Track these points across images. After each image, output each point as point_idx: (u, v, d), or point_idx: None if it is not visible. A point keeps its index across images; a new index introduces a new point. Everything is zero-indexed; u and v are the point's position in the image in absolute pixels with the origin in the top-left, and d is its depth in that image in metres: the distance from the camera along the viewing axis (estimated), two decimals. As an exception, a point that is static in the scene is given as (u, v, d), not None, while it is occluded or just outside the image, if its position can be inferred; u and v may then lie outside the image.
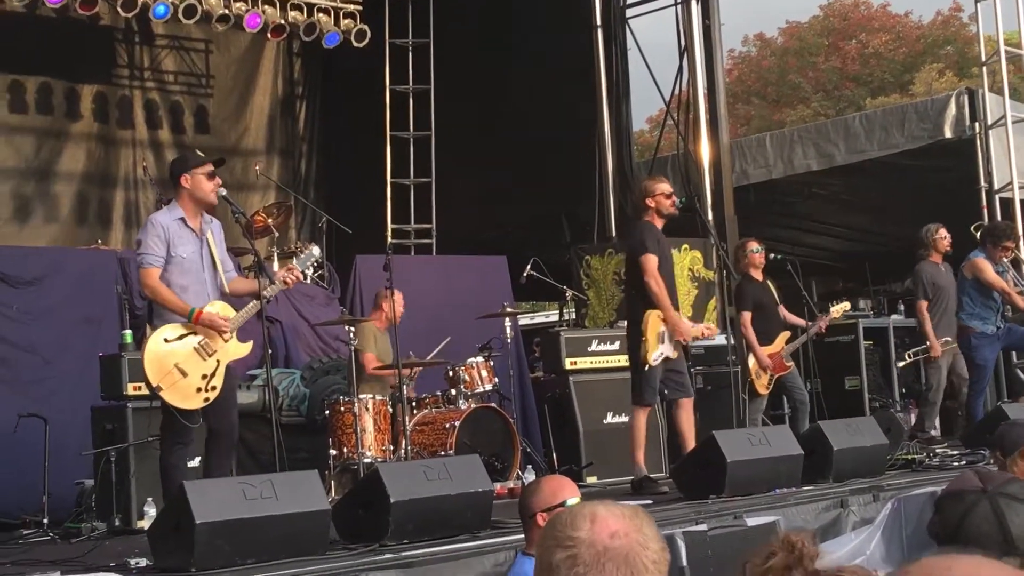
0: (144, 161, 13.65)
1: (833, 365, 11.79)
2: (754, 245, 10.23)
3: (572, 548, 2.16)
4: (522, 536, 5.04)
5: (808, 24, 36.65)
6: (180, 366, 6.70)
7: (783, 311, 10.31)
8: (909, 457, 9.21)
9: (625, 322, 10.28)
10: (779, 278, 10.69)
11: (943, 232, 10.79)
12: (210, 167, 7.00)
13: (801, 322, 10.29)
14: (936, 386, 10.68)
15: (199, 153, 7.26)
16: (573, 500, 4.56)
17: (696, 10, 12.80)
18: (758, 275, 10.14)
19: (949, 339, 10.59)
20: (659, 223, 8.62)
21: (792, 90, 35.15)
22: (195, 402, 6.74)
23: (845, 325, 12.26)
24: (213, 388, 6.77)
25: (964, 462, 9.14)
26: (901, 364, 11.22)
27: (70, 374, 9.20)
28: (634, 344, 8.48)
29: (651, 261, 8.37)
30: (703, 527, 6.34)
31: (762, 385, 9.94)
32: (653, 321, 8.35)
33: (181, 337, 6.76)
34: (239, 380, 8.17)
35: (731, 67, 34.69)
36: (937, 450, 9.83)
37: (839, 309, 10.53)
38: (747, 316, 9.89)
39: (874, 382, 12.39)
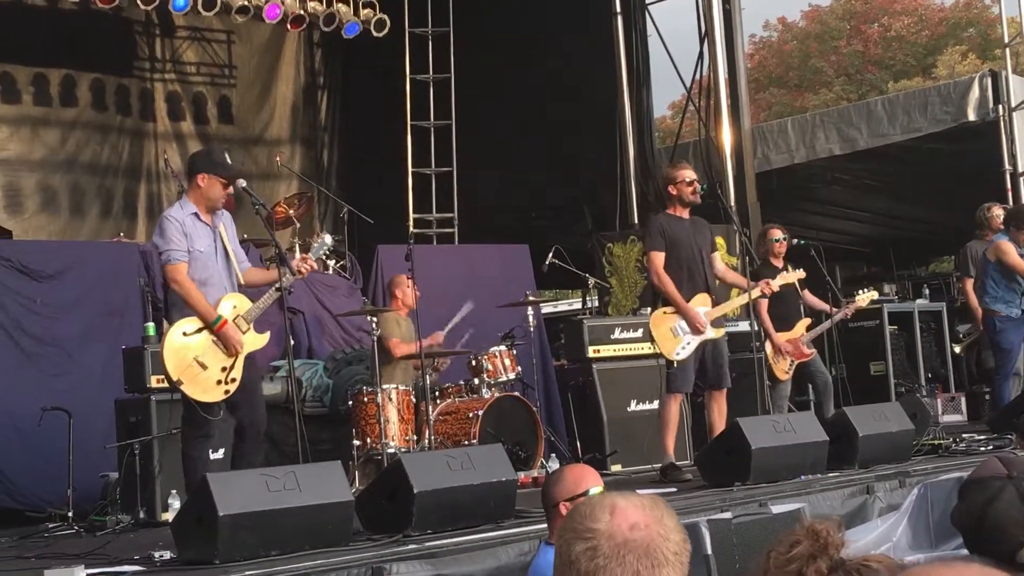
0: (165, 153, 13.68)
1: (858, 350, 11.74)
2: (776, 233, 10.19)
3: (592, 540, 2.14)
4: (546, 525, 5.03)
5: (830, 8, 36.46)
6: (199, 359, 6.71)
7: (808, 296, 10.26)
8: (935, 442, 9.16)
9: (650, 310, 10.29)
10: (803, 263, 10.63)
11: (996, 210, 10.78)
12: (227, 180, 6.99)
13: (825, 307, 10.25)
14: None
15: (228, 160, 7.23)
16: (596, 489, 4.55)
17: (717, -5, 12.73)
18: (778, 262, 10.10)
19: None
20: (682, 211, 8.60)
21: (814, 74, 34.97)
22: (215, 395, 6.75)
23: (870, 310, 12.18)
24: (232, 380, 6.79)
25: (991, 447, 9.08)
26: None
27: (94, 367, 9.23)
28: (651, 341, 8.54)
29: (654, 259, 8.38)
30: (727, 515, 6.30)
31: (781, 371, 9.90)
32: (657, 320, 8.37)
33: (200, 330, 6.77)
34: (262, 371, 8.18)
35: (752, 52, 34.53)
36: (963, 435, 9.77)
37: (866, 297, 10.44)
38: (763, 303, 9.87)
39: (900, 367, 12.32)
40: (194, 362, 6.70)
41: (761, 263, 10.13)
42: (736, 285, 9.16)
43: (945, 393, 12.47)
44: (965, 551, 6.79)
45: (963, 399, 12.17)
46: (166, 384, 7.84)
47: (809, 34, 36.16)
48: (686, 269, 8.51)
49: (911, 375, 12.38)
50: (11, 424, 8.75)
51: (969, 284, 10.64)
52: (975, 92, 12.90)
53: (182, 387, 6.67)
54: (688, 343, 8.37)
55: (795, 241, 10.33)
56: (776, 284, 8.99)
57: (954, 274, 13.38)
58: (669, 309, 8.41)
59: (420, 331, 8.92)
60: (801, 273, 9.68)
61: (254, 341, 6.99)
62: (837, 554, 2.10)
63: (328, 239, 7.58)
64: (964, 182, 14.42)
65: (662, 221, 8.57)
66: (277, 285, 6.89)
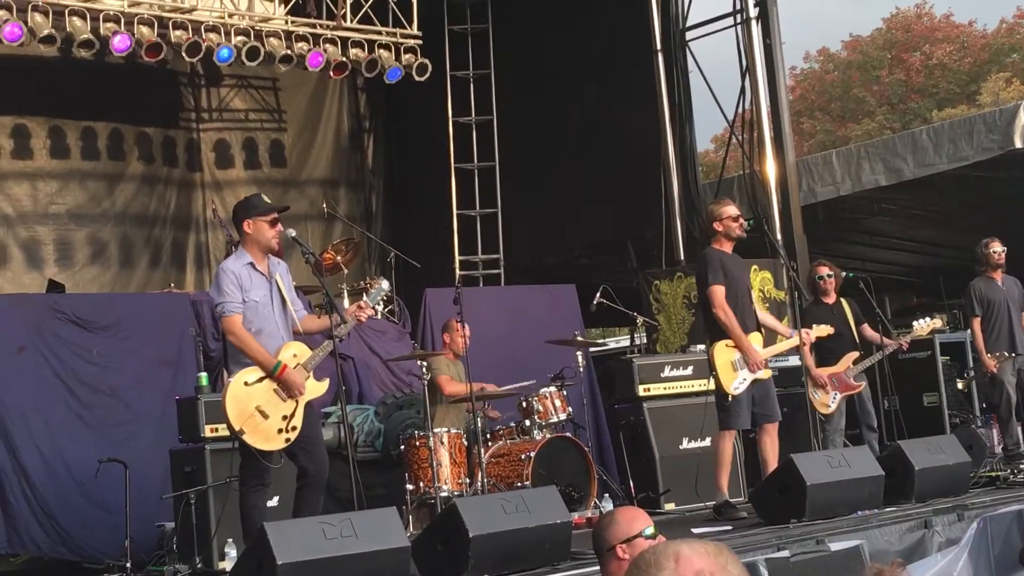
0: (213, 203, 13.83)
1: (911, 382, 11.62)
2: (822, 271, 10.15)
3: (658, 589, 2.14)
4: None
5: (870, 38, 36.37)
6: (261, 408, 6.76)
7: (866, 330, 10.17)
8: (993, 474, 9.06)
9: (699, 347, 10.29)
10: (853, 295, 10.58)
11: (995, 246, 10.68)
12: (273, 215, 7.05)
13: (889, 342, 10.14)
14: (1004, 402, 10.48)
15: (266, 199, 7.31)
16: (649, 530, 4.54)
17: (756, 30, 12.74)
18: (828, 299, 10.07)
19: (1006, 352, 10.43)
20: (728, 246, 8.59)
21: (856, 104, 34.86)
22: (276, 443, 6.79)
23: (922, 341, 12.08)
24: (293, 428, 6.82)
25: (1049, 478, 8.99)
26: (960, 384, 11.04)
27: (150, 417, 9.31)
28: (711, 373, 8.48)
29: (717, 293, 8.36)
30: (785, 553, 6.26)
31: (822, 405, 9.83)
32: (720, 351, 8.33)
33: (261, 379, 6.82)
34: (320, 419, 8.22)
35: (794, 84, 34.50)
36: (1022, 466, 9.65)
37: (927, 327, 10.28)
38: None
39: (953, 398, 12.18)
40: (256, 411, 6.74)
41: (813, 299, 10.11)
42: (777, 332, 9.13)
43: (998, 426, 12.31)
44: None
45: (1019, 429, 12.02)
46: (220, 433, 7.94)
47: (851, 64, 36.07)
48: (740, 306, 8.50)
49: (965, 406, 12.24)
50: (69, 475, 8.84)
51: (976, 323, 10.52)
52: (1021, 119, 12.79)
53: (244, 436, 6.71)
54: (744, 379, 8.34)
55: (844, 274, 10.27)
56: (812, 336, 8.95)
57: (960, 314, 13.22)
58: (731, 343, 8.38)
59: (470, 375, 8.93)
60: (830, 329, 9.54)
61: (314, 389, 7.03)
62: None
63: (385, 284, 7.63)
64: (1013, 209, 14.30)
65: (720, 255, 8.54)
66: (330, 334, 6.92)
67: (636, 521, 4.60)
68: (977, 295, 10.57)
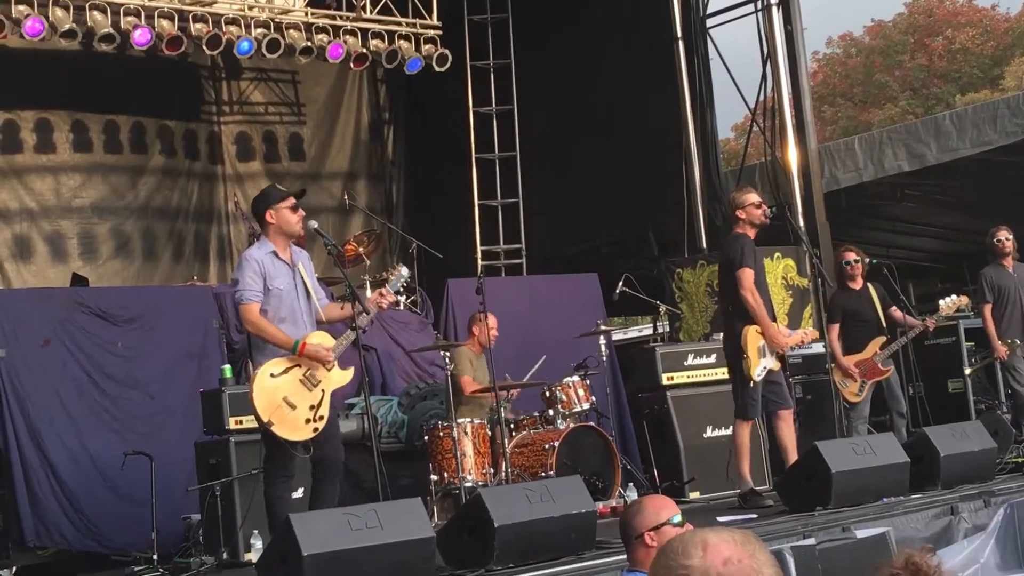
0: (235, 196, 13.85)
1: (935, 368, 11.59)
2: (850, 256, 10.09)
3: (686, 577, 2.13)
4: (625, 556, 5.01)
5: (893, 23, 36.17)
6: (288, 399, 6.77)
7: (895, 313, 10.13)
8: (1019, 460, 9.02)
9: (720, 335, 10.24)
10: (877, 281, 10.54)
11: (1001, 234, 10.67)
12: (292, 200, 7.07)
13: (917, 323, 10.12)
14: (1019, 387, 10.47)
15: (280, 187, 7.34)
16: (677, 518, 4.58)
17: (777, 16, 12.68)
18: (855, 284, 10.02)
19: (1016, 339, 10.43)
20: (752, 233, 8.57)
21: (879, 89, 34.69)
22: (305, 433, 6.81)
23: (946, 327, 12.04)
24: (321, 418, 6.85)
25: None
26: (969, 371, 11.02)
27: (175, 409, 9.35)
28: (734, 359, 8.42)
29: (748, 275, 8.31)
30: (811, 541, 6.25)
31: (851, 393, 9.79)
32: (752, 336, 8.29)
33: (287, 370, 6.84)
34: (338, 409, 8.24)
35: (816, 70, 34.35)
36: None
37: (952, 304, 10.25)
38: (835, 328, 9.83)
39: (978, 384, 12.13)
40: (283, 403, 6.76)
41: (838, 286, 10.06)
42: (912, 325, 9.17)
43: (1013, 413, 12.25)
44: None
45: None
46: (244, 425, 7.97)
47: (873, 49, 35.89)
48: (764, 294, 8.48)
49: (990, 391, 12.18)
50: (94, 468, 8.89)
51: (988, 310, 10.52)
52: (1046, 102, 12.73)
53: (273, 428, 6.72)
54: (765, 367, 8.32)
55: (867, 260, 10.24)
56: (794, 341, 8.80)
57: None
58: (759, 328, 8.34)
59: (493, 368, 8.93)
60: (814, 334, 9.47)
61: (339, 378, 7.05)
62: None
63: (404, 271, 7.63)
64: (1037, 195, 14.23)
65: (749, 240, 8.51)
66: (353, 325, 6.94)
67: (664, 509, 4.63)
68: (988, 282, 10.59)
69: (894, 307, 10.16)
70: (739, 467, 8.48)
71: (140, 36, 11.54)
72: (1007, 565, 7.09)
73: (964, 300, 10.44)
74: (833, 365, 9.63)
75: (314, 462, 6.99)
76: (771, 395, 8.44)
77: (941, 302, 10.27)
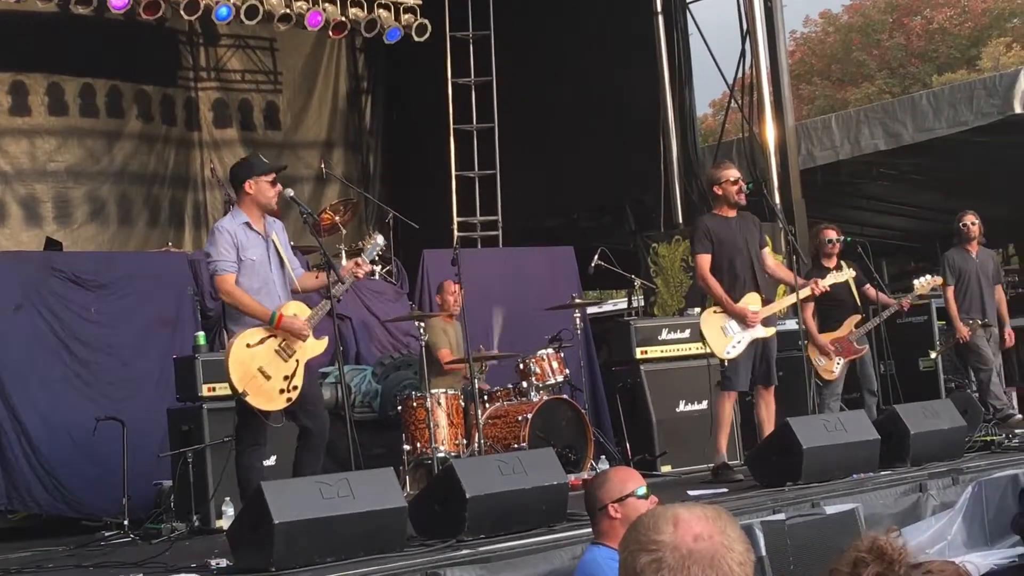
0: (212, 163, 13.79)
1: (906, 346, 11.66)
2: (831, 234, 10.10)
3: (657, 552, 2.15)
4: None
5: (872, 1, 36.19)
6: (263, 369, 6.78)
7: (870, 291, 10.19)
8: (988, 439, 9.09)
9: (696, 309, 10.30)
10: (852, 260, 10.59)
11: (967, 219, 10.92)
12: (273, 175, 7.06)
13: (891, 302, 10.20)
14: (983, 364, 10.68)
15: (263, 159, 7.33)
16: (642, 489, 4.62)
17: (758, -7, 12.68)
18: (830, 263, 10.05)
19: (978, 319, 10.71)
20: (729, 211, 8.59)
21: (856, 68, 34.73)
22: (279, 403, 6.83)
23: (918, 306, 12.11)
24: (295, 388, 6.86)
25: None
26: (933, 355, 11.17)
27: (148, 375, 9.33)
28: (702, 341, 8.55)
29: (702, 261, 8.40)
30: (781, 516, 6.29)
31: (826, 371, 9.84)
32: (705, 320, 8.39)
33: (262, 341, 6.85)
34: (321, 380, 8.25)
35: (794, 48, 34.34)
36: (1016, 431, 9.70)
37: (927, 284, 10.35)
38: (810, 305, 9.85)
39: (949, 362, 12.22)
40: (258, 372, 6.77)
41: (812, 263, 10.10)
42: (785, 281, 9.13)
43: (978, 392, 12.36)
44: (1023, 548, 6.74)
45: (1014, 394, 12.06)
46: (217, 393, 7.97)
47: (851, 27, 35.91)
48: (734, 269, 8.50)
49: (961, 370, 12.26)
50: (67, 433, 8.85)
51: (950, 291, 10.78)
52: (1021, 84, 12.77)
53: (247, 398, 6.72)
54: (739, 341, 8.36)
55: (843, 238, 10.27)
56: (826, 283, 8.93)
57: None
58: (719, 308, 8.42)
59: (467, 336, 8.95)
60: (852, 272, 9.64)
61: (314, 348, 7.06)
62: (906, 568, 2.07)
63: (380, 239, 7.63)
64: (1012, 175, 14.30)
65: (708, 223, 8.56)
66: (328, 294, 6.94)
67: (629, 481, 4.66)
68: (951, 265, 10.91)
69: (868, 285, 10.22)
70: (716, 439, 8.54)
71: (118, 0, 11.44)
72: (974, 542, 7.15)
73: (939, 280, 10.55)
74: (808, 342, 9.68)
75: (300, 434, 7.00)
76: (759, 370, 8.50)
77: (915, 282, 10.36)
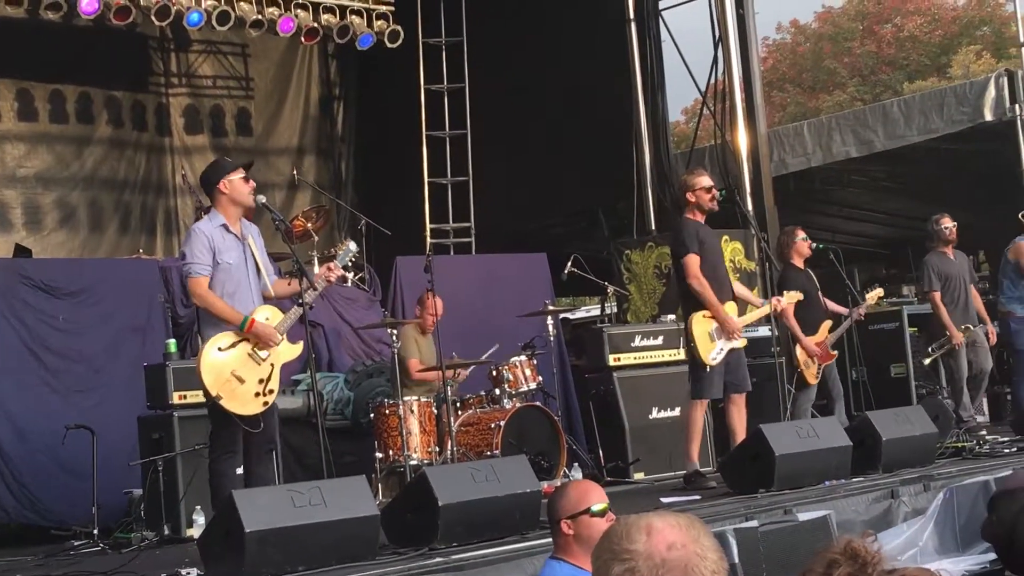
0: (183, 169, 13.73)
1: (878, 353, 11.70)
2: (803, 233, 10.17)
3: (630, 561, 2.14)
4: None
5: (842, 9, 36.38)
6: (237, 373, 6.74)
7: (824, 300, 10.24)
8: (959, 445, 9.13)
9: (668, 317, 10.30)
10: (821, 266, 10.62)
11: (946, 222, 10.76)
12: (243, 171, 7.04)
13: (843, 310, 10.23)
14: (959, 374, 10.57)
15: (227, 159, 7.31)
16: (599, 506, 4.41)
17: (729, 0, 12.70)
18: (801, 263, 10.08)
19: (969, 326, 10.55)
20: (700, 217, 8.60)
21: (828, 76, 34.89)
22: (254, 407, 6.78)
23: (889, 312, 12.16)
24: (270, 391, 6.83)
25: (1015, 448, 9.07)
26: (927, 361, 11.12)
27: (118, 383, 9.25)
28: (687, 344, 8.47)
29: (692, 262, 8.35)
30: (754, 523, 6.30)
31: (811, 375, 9.86)
32: (698, 322, 8.33)
33: (234, 344, 6.80)
34: (283, 385, 8.19)
35: (766, 55, 34.46)
36: (987, 437, 9.74)
37: (873, 295, 10.46)
38: (790, 309, 9.83)
39: (920, 369, 12.26)
40: (232, 376, 6.72)
41: (785, 265, 10.11)
42: (748, 302, 9.14)
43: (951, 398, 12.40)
44: (993, 555, 6.76)
45: (984, 400, 12.12)
46: (188, 400, 7.92)
47: (822, 36, 36.09)
48: (718, 275, 8.51)
49: (932, 377, 12.32)
50: (37, 441, 8.78)
51: (937, 297, 10.57)
52: (991, 92, 12.83)
53: (221, 402, 6.68)
54: (721, 349, 8.35)
55: (814, 245, 10.31)
56: (784, 303, 9.01)
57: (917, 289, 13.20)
58: (708, 313, 8.37)
59: (440, 346, 8.92)
60: (799, 295, 9.58)
61: (288, 352, 7.03)
62: (879, 570, 2.07)
63: (353, 246, 7.61)
64: (982, 182, 14.37)
65: (694, 225, 8.53)
66: (300, 300, 6.92)
67: (586, 497, 4.45)
68: (935, 269, 10.63)
69: (821, 295, 10.25)
70: (688, 447, 8.52)
71: (87, 5, 11.34)
72: (945, 548, 7.18)
73: (880, 292, 10.72)
74: (795, 346, 9.70)
75: (248, 437, 6.93)
76: (731, 376, 8.48)
77: (868, 294, 10.44)
